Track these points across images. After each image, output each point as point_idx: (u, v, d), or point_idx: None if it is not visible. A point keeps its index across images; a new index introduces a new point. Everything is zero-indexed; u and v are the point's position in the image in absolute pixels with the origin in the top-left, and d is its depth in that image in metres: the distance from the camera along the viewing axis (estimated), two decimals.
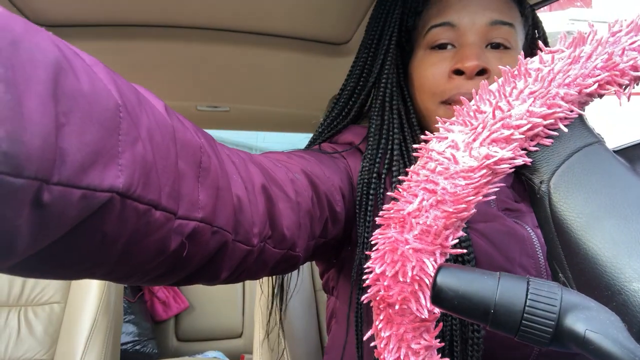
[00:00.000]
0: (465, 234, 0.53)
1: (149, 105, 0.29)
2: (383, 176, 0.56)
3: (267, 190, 0.41)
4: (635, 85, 0.36)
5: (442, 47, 0.56)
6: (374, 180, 0.55)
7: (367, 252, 0.43)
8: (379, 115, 0.59)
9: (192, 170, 0.31)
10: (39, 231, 0.22)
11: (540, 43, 0.38)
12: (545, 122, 0.35)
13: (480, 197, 0.36)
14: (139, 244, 0.28)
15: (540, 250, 0.56)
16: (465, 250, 0.39)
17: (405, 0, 0.59)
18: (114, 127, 0.25)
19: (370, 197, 0.54)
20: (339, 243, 0.57)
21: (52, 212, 0.22)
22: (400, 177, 0.40)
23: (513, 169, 0.36)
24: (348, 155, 0.59)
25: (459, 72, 0.53)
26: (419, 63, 0.58)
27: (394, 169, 0.56)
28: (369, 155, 0.57)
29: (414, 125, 0.58)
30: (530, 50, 0.63)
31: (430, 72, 0.56)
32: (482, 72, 0.53)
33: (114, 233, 0.26)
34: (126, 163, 0.25)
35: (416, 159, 0.52)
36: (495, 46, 0.55)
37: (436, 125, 0.39)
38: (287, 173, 0.46)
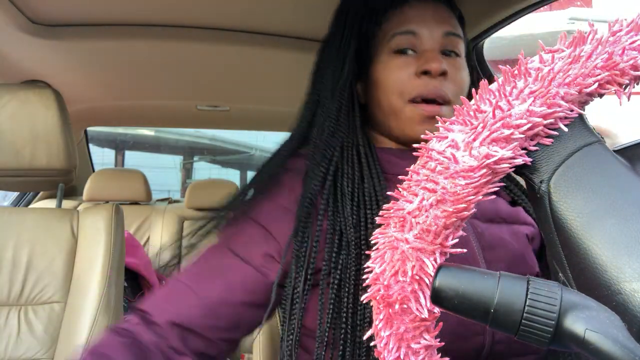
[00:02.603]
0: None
1: None
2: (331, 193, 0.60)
3: None
4: (635, 84, 0.35)
5: (404, 52, 0.63)
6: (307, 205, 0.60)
7: (367, 252, 0.43)
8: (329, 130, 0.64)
9: None
10: None
11: (540, 42, 0.38)
12: (545, 122, 0.35)
13: (480, 197, 0.36)
14: None
15: (476, 243, 0.60)
16: (465, 250, 0.39)
17: (365, 12, 0.65)
18: None
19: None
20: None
21: None
22: (400, 177, 0.40)
23: (513, 169, 0.36)
24: (274, 220, 0.62)
25: (425, 72, 0.60)
26: (384, 66, 0.63)
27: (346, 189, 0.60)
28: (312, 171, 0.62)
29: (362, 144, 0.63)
30: (468, 60, 0.70)
31: (398, 74, 0.62)
32: (442, 73, 0.60)
33: None
34: None
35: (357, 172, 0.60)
36: (448, 53, 0.64)
37: (436, 125, 0.39)
38: None
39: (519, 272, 0.61)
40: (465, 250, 0.39)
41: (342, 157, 0.62)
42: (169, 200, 2.47)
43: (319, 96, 0.68)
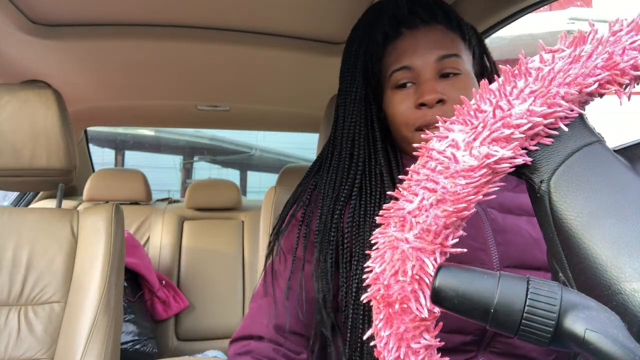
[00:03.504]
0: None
1: None
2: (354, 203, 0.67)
3: None
4: (635, 84, 0.35)
5: (404, 85, 0.67)
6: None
7: (367, 252, 0.43)
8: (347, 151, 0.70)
9: None
10: None
11: (540, 42, 0.38)
12: (545, 121, 0.35)
13: (481, 197, 0.36)
14: None
15: (488, 226, 0.64)
16: (465, 250, 0.39)
17: (366, 50, 0.69)
18: None
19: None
20: None
21: None
22: (400, 177, 0.40)
23: (513, 168, 0.36)
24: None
25: (422, 104, 0.64)
26: (389, 101, 0.68)
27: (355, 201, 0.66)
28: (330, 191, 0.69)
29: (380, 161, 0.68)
30: (481, 63, 0.73)
31: (400, 108, 0.67)
32: (440, 101, 0.64)
33: None
34: None
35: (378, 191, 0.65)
36: (446, 75, 0.65)
37: (437, 125, 0.39)
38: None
39: (531, 257, 0.63)
40: (465, 250, 0.39)
41: (364, 175, 0.67)
42: (169, 200, 2.46)
43: (342, 129, 0.72)
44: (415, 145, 0.40)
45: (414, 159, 0.69)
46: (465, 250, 0.38)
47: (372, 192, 0.66)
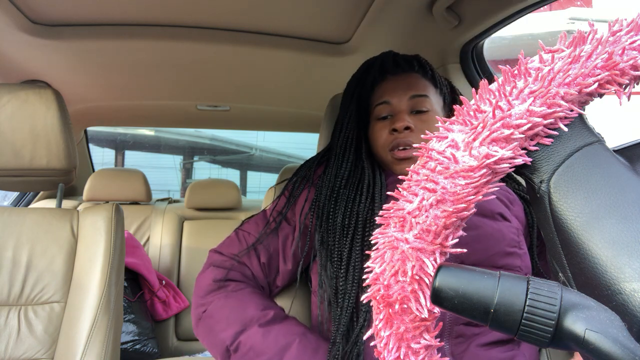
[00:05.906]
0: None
1: None
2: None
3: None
4: (635, 84, 0.35)
5: (384, 118, 0.85)
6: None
7: (367, 252, 0.43)
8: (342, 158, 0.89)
9: None
10: None
11: (540, 42, 0.38)
12: (545, 122, 0.35)
13: (480, 197, 0.36)
14: None
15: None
16: (465, 250, 0.38)
17: (360, 93, 0.89)
18: None
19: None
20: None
21: None
22: (400, 177, 0.40)
23: (513, 168, 0.36)
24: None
25: (394, 130, 0.82)
26: (373, 129, 0.87)
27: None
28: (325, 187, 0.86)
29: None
30: (453, 102, 0.91)
31: (379, 134, 0.85)
32: (407, 128, 0.81)
33: None
34: None
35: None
36: (417, 112, 0.84)
37: (436, 125, 0.39)
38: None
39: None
40: (465, 250, 0.39)
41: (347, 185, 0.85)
42: (169, 200, 2.46)
43: (336, 145, 0.89)
44: (415, 145, 0.40)
45: (391, 174, 0.83)
46: (464, 250, 0.38)
47: (354, 200, 0.80)
